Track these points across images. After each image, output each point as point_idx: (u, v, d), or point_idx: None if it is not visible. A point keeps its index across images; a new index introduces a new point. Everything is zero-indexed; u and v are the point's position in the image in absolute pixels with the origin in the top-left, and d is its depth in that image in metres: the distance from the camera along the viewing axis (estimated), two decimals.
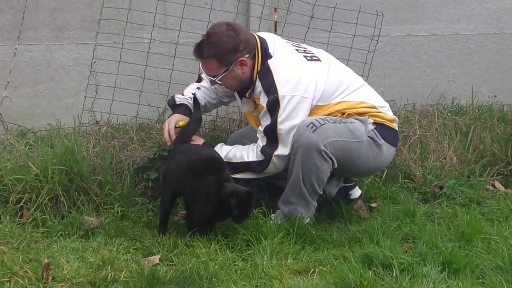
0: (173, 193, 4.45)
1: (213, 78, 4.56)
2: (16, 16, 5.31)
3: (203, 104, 4.78)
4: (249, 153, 4.55)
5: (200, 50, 4.50)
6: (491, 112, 5.91)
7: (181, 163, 4.38)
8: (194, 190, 4.29)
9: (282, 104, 4.42)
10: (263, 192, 4.84)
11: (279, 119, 4.43)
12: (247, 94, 4.61)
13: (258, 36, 4.62)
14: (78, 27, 5.44)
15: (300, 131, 4.41)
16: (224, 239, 4.28)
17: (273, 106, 4.44)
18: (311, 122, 4.42)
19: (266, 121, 4.50)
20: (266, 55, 4.55)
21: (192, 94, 4.77)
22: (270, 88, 4.46)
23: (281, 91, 4.43)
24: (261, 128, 4.52)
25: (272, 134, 4.47)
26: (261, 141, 4.52)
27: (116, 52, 5.26)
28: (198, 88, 4.83)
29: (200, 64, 4.61)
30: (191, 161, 4.36)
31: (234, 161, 4.55)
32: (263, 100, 4.50)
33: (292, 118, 4.44)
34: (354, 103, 4.60)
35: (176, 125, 4.65)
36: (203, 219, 4.31)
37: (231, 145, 4.69)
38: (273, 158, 4.48)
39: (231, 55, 4.47)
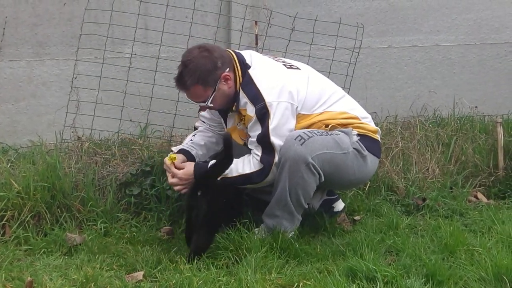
0: None
1: (204, 104, 4.49)
2: None
3: (202, 143, 4.76)
4: (244, 165, 4.44)
5: (182, 81, 4.42)
6: (473, 123, 5.92)
7: None
8: None
9: (271, 111, 4.38)
10: (247, 206, 4.81)
11: (270, 127, 4.38)
12: (233, 108, 4.56)
13: (232, 51, 4.60)
14: (59, 43, 5.44)
15: (288, 144, 4.38)
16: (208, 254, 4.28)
17: (263, 114, 4.39)
18: (299, 135, 4.39)
19: (256, 131, 4.42)
20: (245, 66, 4.52)
21: (190, 140, 4.76)
22: (256, 97, 4.41)
23: (268, 98, 4.39)
24: (253, 139, 4.44)
25: (266, 142, 4.40)
26: (257, 150, 4.44)
27: (97, 68, 5.25)
28: (194, 135, 4.82)
29: (186, 95, 4.52)
30: None
31: (231, 175, 4.42)
32: (250, 110, 4.44)
33: (282, 124, 4.39)
34: (336, 113, 4.59)
35: (168, 159, 4.54)
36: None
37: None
38: (273, 167, 4.42)
39: (213, 74, 4.41)
